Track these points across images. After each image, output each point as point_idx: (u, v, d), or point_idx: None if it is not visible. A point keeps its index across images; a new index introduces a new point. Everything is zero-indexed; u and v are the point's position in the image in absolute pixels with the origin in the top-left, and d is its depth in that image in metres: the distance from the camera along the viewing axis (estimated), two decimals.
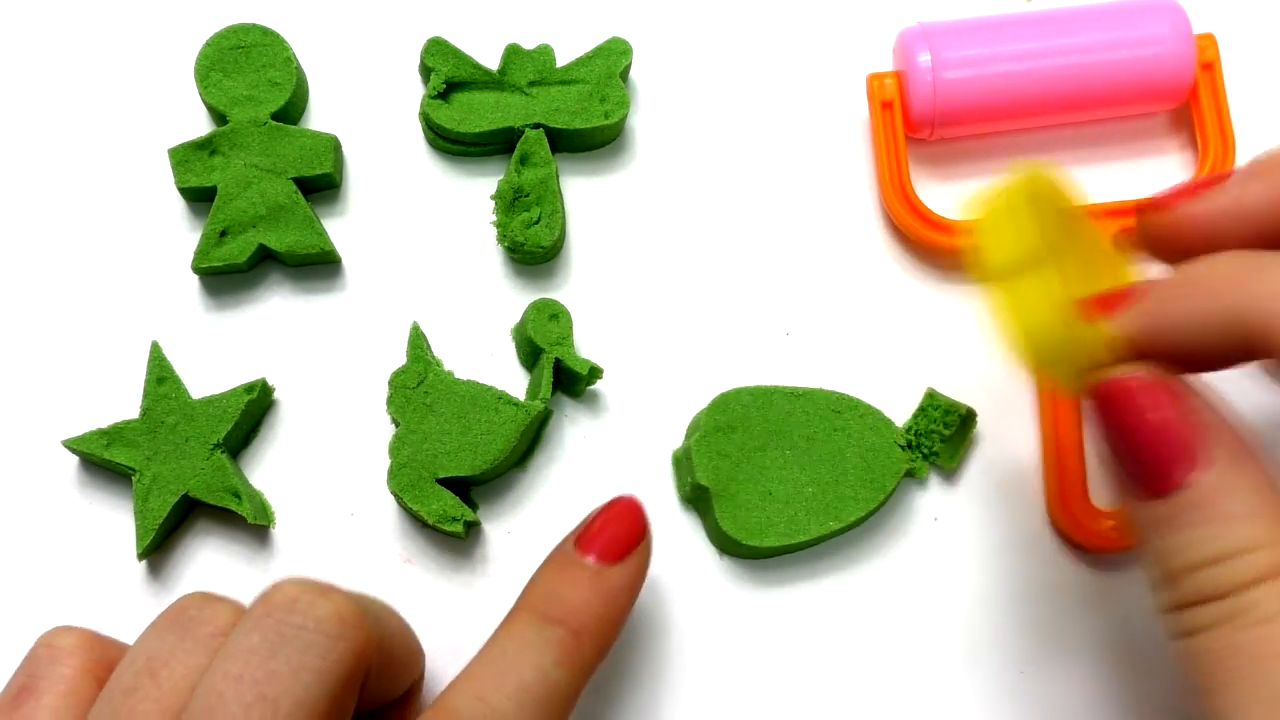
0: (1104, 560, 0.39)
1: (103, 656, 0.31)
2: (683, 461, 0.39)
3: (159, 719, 0.28)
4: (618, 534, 0.34)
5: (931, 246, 0.41)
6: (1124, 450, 0.28)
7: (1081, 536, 0.38)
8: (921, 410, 0.39)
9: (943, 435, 0.39)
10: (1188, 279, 0.28)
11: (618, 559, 0.33)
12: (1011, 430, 0.40)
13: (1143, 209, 0.31)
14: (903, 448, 0.38)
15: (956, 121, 0.40)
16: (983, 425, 0.40)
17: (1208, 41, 0.41)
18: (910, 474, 0.39)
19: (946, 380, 0.40)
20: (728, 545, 0.39)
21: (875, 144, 0.41)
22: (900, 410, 0.40)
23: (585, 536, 0.34)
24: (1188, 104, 0.42)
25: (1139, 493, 0.28)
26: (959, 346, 0.41)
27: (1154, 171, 0.42)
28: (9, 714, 0.30)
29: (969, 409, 0.39)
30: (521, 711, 0.30)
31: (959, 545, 0.39)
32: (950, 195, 0.42)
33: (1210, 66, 0.41)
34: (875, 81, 0.41)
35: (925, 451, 0.39)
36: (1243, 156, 0.41)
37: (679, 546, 0.39)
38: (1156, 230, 0.31)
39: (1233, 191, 0.30)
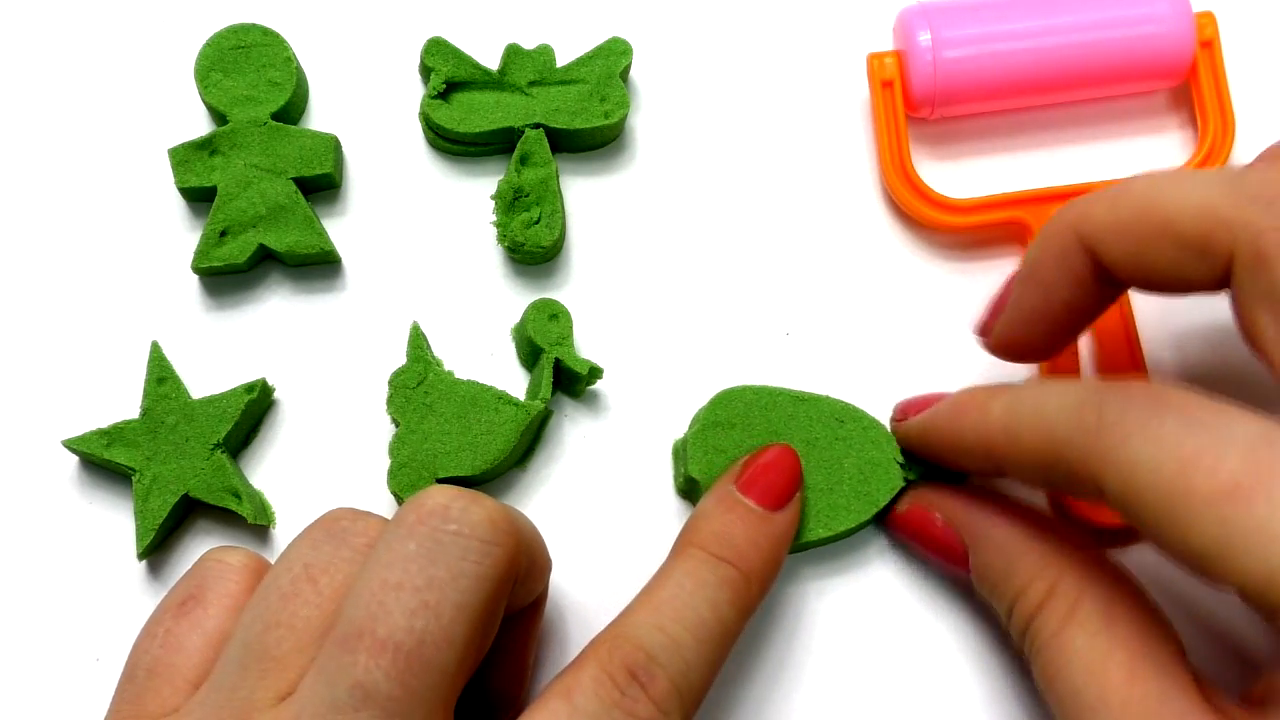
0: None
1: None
2: (680, 452, 0.39)
3: (320, 624, 0.29)
4: (777, 480, 0.35)
5: (933, 225, 0.41)
6: (926, 557, 0.37)
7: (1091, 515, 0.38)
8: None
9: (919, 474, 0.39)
10: (947, 405, 0.35)
11: (779, 505, 0.34)
12: None
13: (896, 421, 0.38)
14: (900, 465, 0.38)
15: (957, 100, 0.40)
16: None
17: (1207, 19, 0.41)
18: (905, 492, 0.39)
19: (948, 367, 0.40)
20: None
21: (875, 123, 0.41)
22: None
23: (746, 480, 0.35)
24: (1187, 82, 0.42)
25: (955, 578, 0.38)
26: (963, 330, 0.41)
27: (1154, 150, 0.43)
28: (176, 619, 0.31)
29: None
30: (700, 647, 0.31)
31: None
32: (950, 174, 0.42)
33: (1209, 44, 0.41)
34: (875, 61, 0.41)
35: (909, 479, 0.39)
36: (1242, 134, 0.41)
37: (669, 537, 0.39)
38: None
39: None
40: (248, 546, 0.39)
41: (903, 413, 0.38)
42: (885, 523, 0.38)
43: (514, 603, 0.32)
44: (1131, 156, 0.42)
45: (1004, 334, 0.35)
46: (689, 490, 0.39)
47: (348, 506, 0.32)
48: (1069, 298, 0.33)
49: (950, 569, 0.36)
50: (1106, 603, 0.31)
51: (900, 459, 0.38)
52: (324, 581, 0.29)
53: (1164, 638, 0.31)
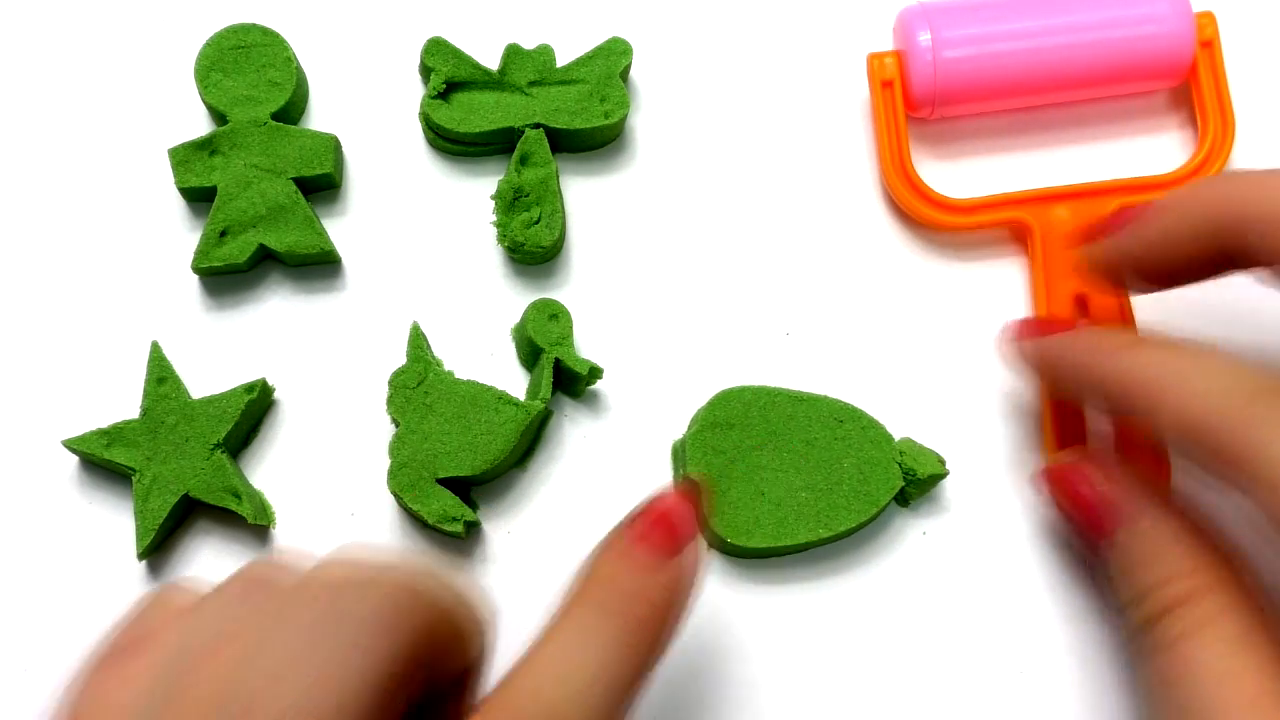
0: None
1: None
2: (679, 453, 0.39)
3: (214, 701, 0.26)
4: (669, 532, 0.32)
5: (933, 224, 0.41)
6: (1069, 515, 0.36)
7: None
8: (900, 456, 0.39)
9: (914, 481, 0.38)
10: (1161, 203, 0.33)
11: (671, 555, 0.31)
12: (1012, 428, 0.40)
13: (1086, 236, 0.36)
14: (900, 464, 0.38)
15: (957, 100, 0.40)
16: (983, 421, 0.40)
17: (1207, 19, 0.41)
18: (901, 495, 0.39)
19: (948, 367, 0.40)
20: (714, 541, 0.38)
21: (876, 123, 0.41)
22: (901, 406, 0.40)
23: (636, 529, 0.32)
24: (1187, 82, 0.42)
25: (1089, 546, 0.35)
26: (963, 331, 0.41)
27: (1154, 150, 0.43)
28: (106, 672, 0.29)
29: (936, 468, 0.38)
30: (586, 711, 0.28)
31: (948, 559, 0.39)
32: (950, 174, 0.42)
33: (1210, 44, 0.41)
34: (875, 61, 0.41)
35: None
36: (1242, 134, 0.41)
37: None
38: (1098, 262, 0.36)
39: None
40: (248, 547, 0.39)
41: (1024, 332, 0.37)
42: (1038, 475, 0.37)
43: (440, 675, 0.30)
44: (1131, 156, 0.42)
45: (1109, 251, 0.35)
46: None
47: (268, 559, 0.30)
48: (1188, 257, 0.33)
49: (1088, 536, 0.35)
50: (1248, 621, 0.30)
51: (900, 458, 0.38)
52: (226, 654, 0.27)
53: None
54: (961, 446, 0.40)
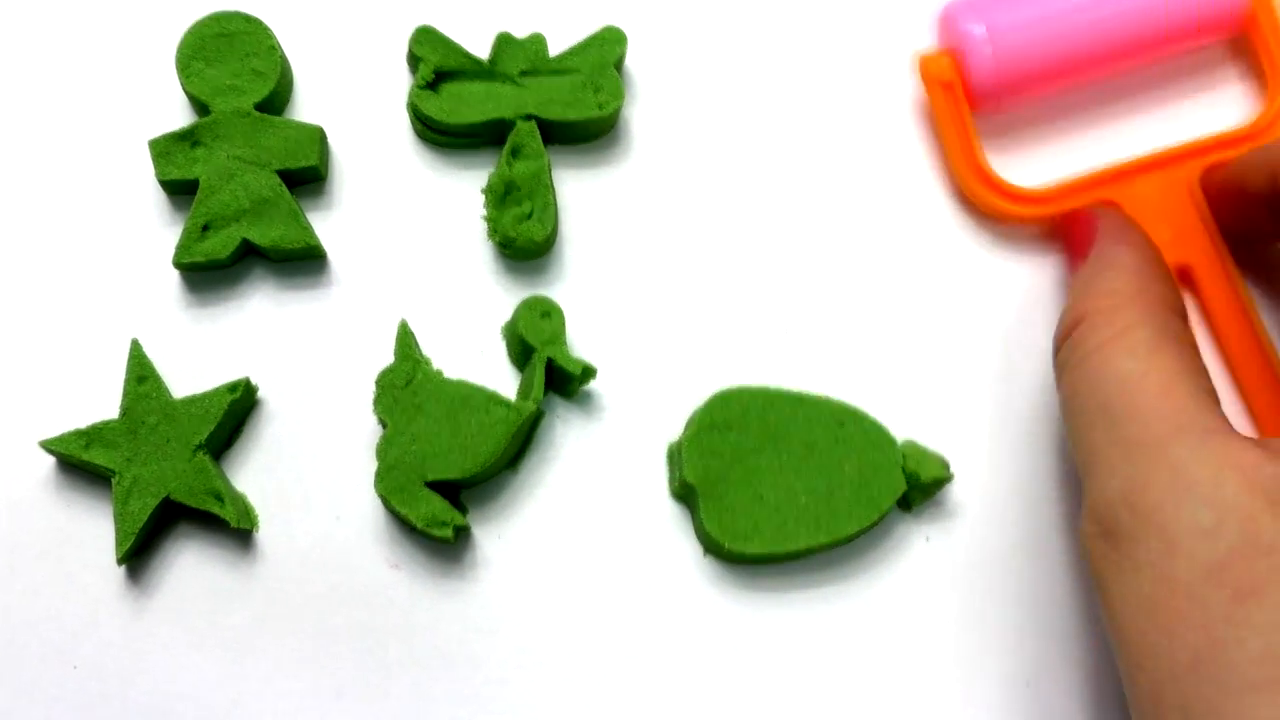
0: None
1: None
2: (675, 456, 0.38)
3: None
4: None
5: (1011, 218, 0.40)
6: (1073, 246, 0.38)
7: None
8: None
9: (918, 485, 0.38)
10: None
11: None
12: (1019, 431, 0.39)
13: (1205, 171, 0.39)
14: (903, 468, 0.37)
15: (1020, 90, 0.40)
16: (990, 424, 0.39)
17: None
18: (904, 501, 0.38)
19: (950, 365, 0.40)
20: (711, 546, 0.38)
21: (940, 127, 0.40)
22: (904, 408, 0.39)
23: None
24: (1245, 31, 0.41)
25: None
26: (968, 330, 0.40)
27: (1219, 106, 0.42)
28: None
29: (940, 472, 0.38)
30: None
31: (953, 566, 0.38)
32: (1011, 164, 0.41)
33: None
34: (931, 64, 0.40)
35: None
36: None
37: (665, 543, 0.39)
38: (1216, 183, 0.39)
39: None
40: (230, 551, 0.39)
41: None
42: (1060, 219, 0.39)
43: None
44: (1198, 116, 0.42)
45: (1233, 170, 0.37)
46: (685, 494, 0.38)
47: None
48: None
49: (1069, 258, 0.38)
50: (1159, 336, 0.32)
51: (903, 462, 0.37)
52: None
53: (1202, 376, 0.31)
54: (967, 450, 0.39)
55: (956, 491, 0.39)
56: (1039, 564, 0.38)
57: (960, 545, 0.39)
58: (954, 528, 0.39)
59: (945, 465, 0.38)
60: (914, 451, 0.38)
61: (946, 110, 0.40)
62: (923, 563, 0.38)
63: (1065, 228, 0.39)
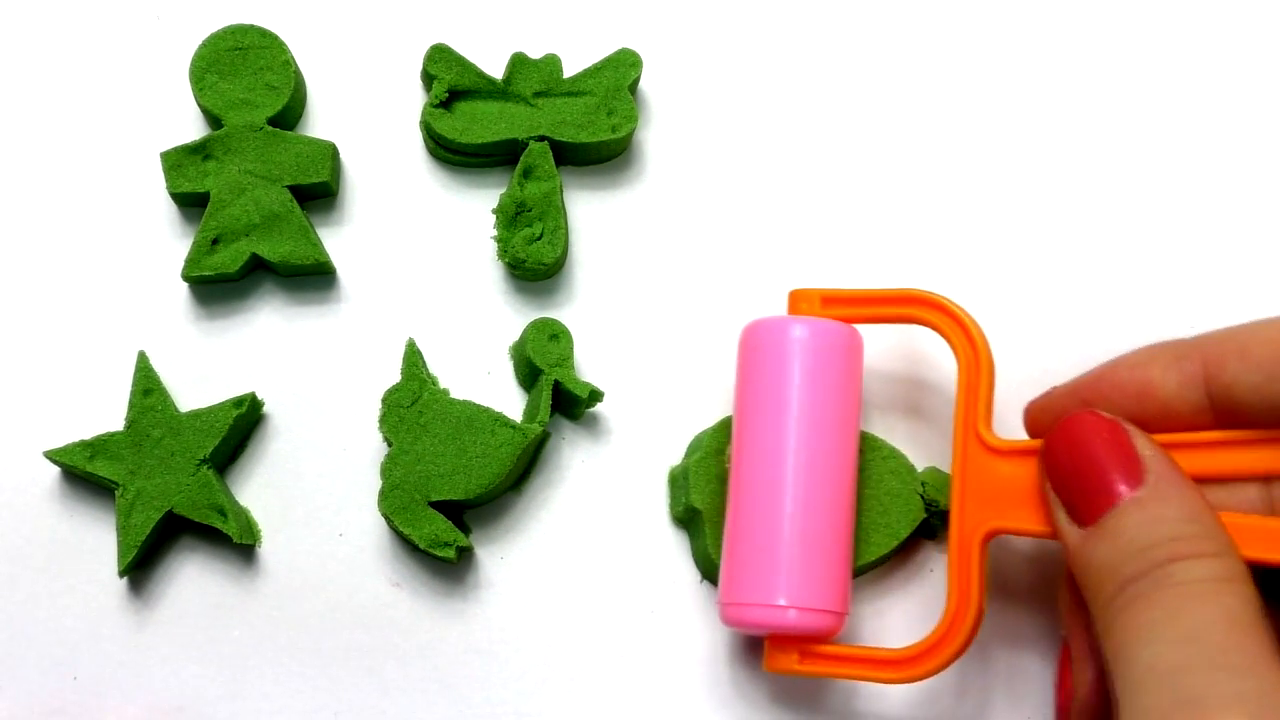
0: None
1: None
2: (679, 480, 0.38)
3: None
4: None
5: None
6: (1074, 474, 0.32)
7: None
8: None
9: (938, 513, 0.37)
10: None
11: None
12: None
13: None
14: (921, 497, 0.37)
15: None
16: None
17: None
18: (927, 527, 0.38)
19: None
20: (712, 572, 0.38)
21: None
22: (924, 435, 0.39)
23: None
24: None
25: (1083, 516, 0.31)
26: None
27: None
28: None
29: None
30: None
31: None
32: None
33: None
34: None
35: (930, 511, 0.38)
36: None
37: (668, 568, 0.39)
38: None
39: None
40: (233, 565, 0.39)
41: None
42: (1054, 430, 0.33)
43: None
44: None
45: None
46: (689, 520, 0.38)
47: None
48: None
49: (1110, 490, 0.31)
50: (1252, 598, 0.29)
51: (922, 490, 0.37)
52: None
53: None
54: None
55: None
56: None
57: None
58: None
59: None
60: (934, 478, 0.37)
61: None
62: (925, 593, 0.38)
63: (1072, 429, 0.33)
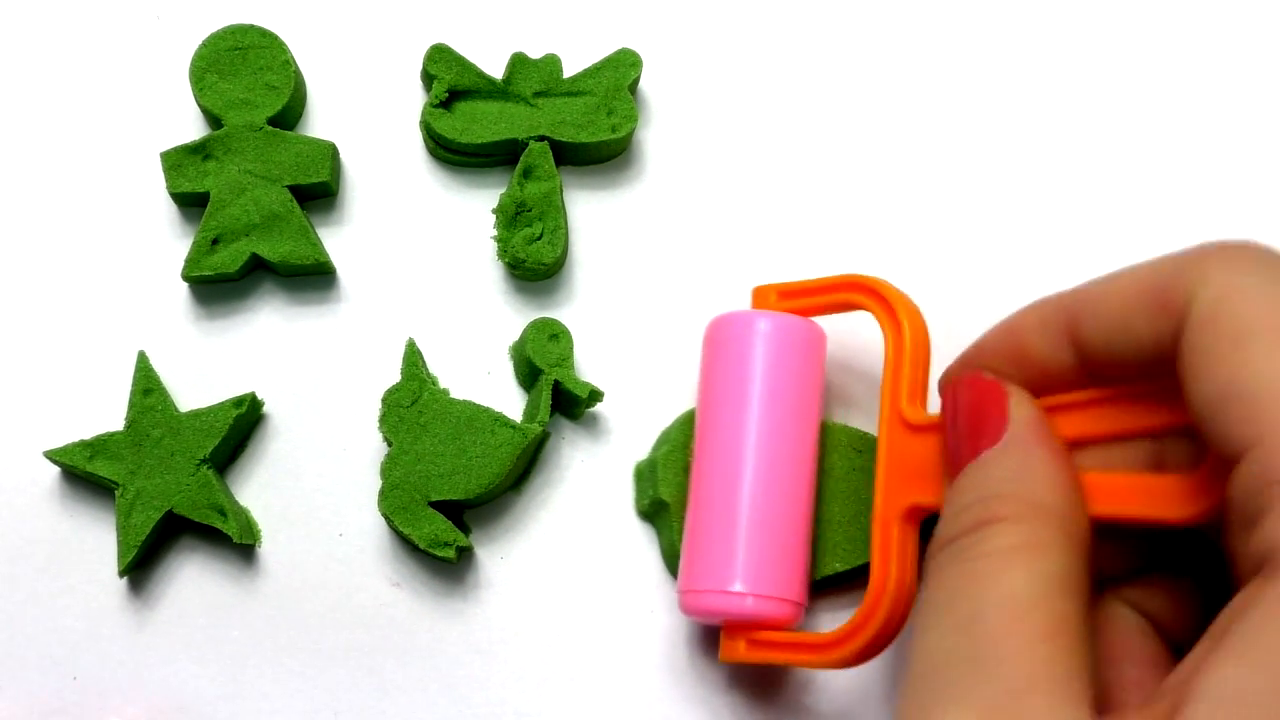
0: None
1: None
2: (645, 474, 0.38)
3: None
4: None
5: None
6: (950, 435, 0.31)
7: None
8: None
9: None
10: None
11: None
12: None
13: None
14: None
15: None
16: None
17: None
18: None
19: None
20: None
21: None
22: None
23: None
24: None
25: (955, 465, 0.30)
26: None
27: None
28: None
29: None
30: None
31: None
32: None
33: None
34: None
35: None
36: None
37: (663, 568, 0.39)
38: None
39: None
40: (233, 565, 0.39)
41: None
42: (944, 390, 0.33)
43: None
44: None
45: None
46: (654, 513, 0.38)
47: None
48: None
49: (972, 450, 0.30)
50: (1068, 577, 0.27)
51: None
52: None
53: (1087, 636, 0.27)
54: None
55: None
56: None
57: None
58: None
59: None
60: None
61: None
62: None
63: (955, 393, 0.32)
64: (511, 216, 0.39)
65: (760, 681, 0.38)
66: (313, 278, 0.40)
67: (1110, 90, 0.42)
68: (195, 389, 0.39)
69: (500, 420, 0.38)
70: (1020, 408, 0.30)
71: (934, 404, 0.34)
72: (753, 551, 0.34)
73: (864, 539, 0.36)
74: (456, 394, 0.39)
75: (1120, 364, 0.29)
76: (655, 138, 0.42)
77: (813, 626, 0.38)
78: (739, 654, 0.35)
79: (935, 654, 0.27)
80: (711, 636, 0.38)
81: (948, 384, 0.32)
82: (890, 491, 0.33)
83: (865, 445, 0.37)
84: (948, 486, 0.30)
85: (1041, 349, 0.31)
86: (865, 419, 0.39)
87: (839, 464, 0.37)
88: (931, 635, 0.27)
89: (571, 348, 0.39)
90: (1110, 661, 0.30)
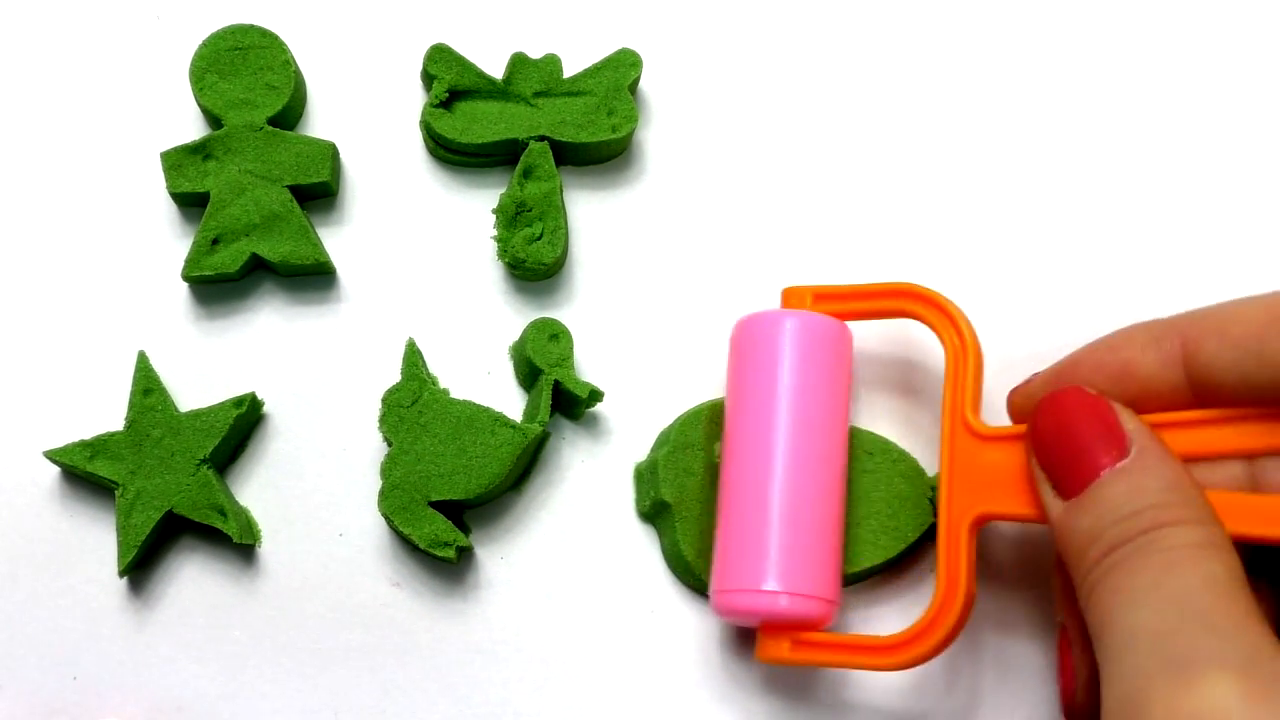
0: None
1: None
2: (646, 475, 0.38)
3: None
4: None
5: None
6: (1058, 448, 0.32)
7: None
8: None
9: None
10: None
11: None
12: None
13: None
14: (931, 501, 0.37)
15: None
16: None
17: None
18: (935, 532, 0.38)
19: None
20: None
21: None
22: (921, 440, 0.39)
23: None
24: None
25: (1068, 489, 0.32)
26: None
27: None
28: None
29: None
30: None
31: (983, 601, 0.38)
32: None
33: None
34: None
35: None
36: None
37: (663, 568, 0.39)
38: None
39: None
40: (233, 565, 0.39)
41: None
42: (1038, 406, 0.33)
43: None
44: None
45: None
46: (655, 514, 0.38)
47: None
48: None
49: (1094, 462, 0.31)
50: (1240, 569, 0.29)
51: (932, 494, 0.37)
52: None
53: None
54: None
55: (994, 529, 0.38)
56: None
57: (991, 582, 0.38)
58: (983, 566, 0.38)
59: None
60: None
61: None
62: (920, 594, 0.38)
63: (1060, 407, 0.33)
64: (511, 216, 0.39)
65: (761, 681, 0.38)
66: (313, 278, 0.40)
67: (1101, 87, 0.42)
68: (195, 389, 0.39)
69: (500, 420, 0.38)
70: (1131, 422, 0.32)
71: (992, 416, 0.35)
72: (785, 551, 0.34)
73: (872, 542, 0.37)
74: (456, 394, 0.39)
75: (1247, 386, 0.31)
76: (655, 138, 0.42)
77: None
78: (782, 654, 0.35)
79: (1155, 625, 0.28)
80: (711, 636, 0.38)
81: (1047, 399, 0.33)
82: (957, 500, 0.34)
83: (876, 448, 0.37)
84: (1051, 496, 0.32)
85: (1149, 367, 0.33)
86: (866, 421, 0.39)
87: (850, 467, 0.37)
88: (1142, 612, 0.29)
89: (571, 348, 0.39)
90: None
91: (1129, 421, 0.32)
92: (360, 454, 0.39)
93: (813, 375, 0.36)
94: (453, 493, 0.37)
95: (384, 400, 0.38)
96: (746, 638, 0.38)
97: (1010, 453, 0.34)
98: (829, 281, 0.40)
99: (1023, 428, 0.34)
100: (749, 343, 0.37)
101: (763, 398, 0.36)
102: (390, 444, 0.38)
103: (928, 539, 0.37)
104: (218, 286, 0.40)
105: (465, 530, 0.38)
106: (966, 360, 0.35)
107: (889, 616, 0.38)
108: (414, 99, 0.42)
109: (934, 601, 0.34)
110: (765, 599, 0.34)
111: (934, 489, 0.37)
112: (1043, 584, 0.38)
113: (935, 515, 0.36)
